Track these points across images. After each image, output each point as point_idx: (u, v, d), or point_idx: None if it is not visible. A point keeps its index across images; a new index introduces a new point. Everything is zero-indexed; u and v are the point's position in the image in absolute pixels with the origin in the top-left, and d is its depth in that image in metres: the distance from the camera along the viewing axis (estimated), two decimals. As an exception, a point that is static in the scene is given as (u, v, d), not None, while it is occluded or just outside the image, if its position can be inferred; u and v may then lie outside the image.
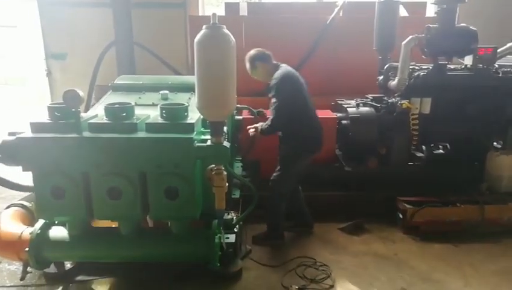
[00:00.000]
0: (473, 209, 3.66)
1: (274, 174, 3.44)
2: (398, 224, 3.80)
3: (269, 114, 3.38)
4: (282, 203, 3.46)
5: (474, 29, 3.85)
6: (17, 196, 3.53)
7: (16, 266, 3.11)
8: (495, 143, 4.12)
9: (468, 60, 4.08)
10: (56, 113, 2.53)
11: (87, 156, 2.44)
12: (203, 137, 2.63)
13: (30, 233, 2.67)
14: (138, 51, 5.66)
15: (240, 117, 3.84)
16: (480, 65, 3.96)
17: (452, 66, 4.12)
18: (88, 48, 5.69)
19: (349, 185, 4.07)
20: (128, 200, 2.51)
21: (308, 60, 5.15)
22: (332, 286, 2.95)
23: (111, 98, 3.16)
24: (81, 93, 2.44)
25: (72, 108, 2.45)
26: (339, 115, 4.29)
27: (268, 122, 3.32)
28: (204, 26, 2.31)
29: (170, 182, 2.48)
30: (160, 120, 2.57)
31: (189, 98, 3.12)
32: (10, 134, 2.55)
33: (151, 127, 2.52)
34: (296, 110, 3.30)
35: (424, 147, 4.09)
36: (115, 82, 3.46)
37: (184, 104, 2.67)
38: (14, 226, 2.85)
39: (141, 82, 3.44)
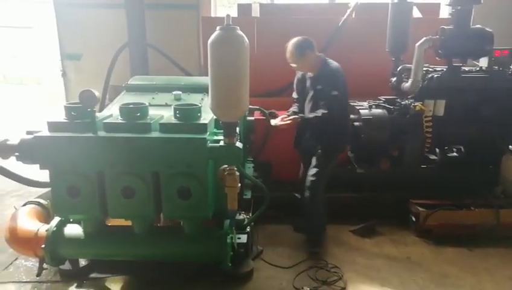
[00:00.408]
0: (487, 213, 3.61)
1: (310, 173, 3.32)
2: (411, 227, 3.76)
3: (307, 108, 3.30)
4: (322, 204, 3.39)
5: (490, 30, 3.78)
6: (34, 193, 3.60)
7: (32, 263, 3.17)
8: (510, 146, 4.05)
9: (483, 62, 4.03)
10: (72, 113, 2.58)
11: (102, 155, 2.48)
12: (216, 137, 2.64)
13: (46, 230, 2.73)
14: (151, 52, 5.72)
15: (252, 118, 3.84)
16: (496, 67, 3.90)
17: (466, 68, 4.07)
18: (102, 49, 5.75)
19: (361, 187, 4.05)
20: (141, 200, 2.54)
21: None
22: (344, 288, 2.94)
23: (125, 98, 3.21)
24: (96, 93, 2.48)
25: (88, 108, 2.50)
26: (351, 116, 4.26)
27: (317, 113, 3.15)
28: (218, 28, 2.32)
29: (183, 182, 2.50)
30: (173, 120, 2.60)
31: (202, 99, 3.14)
32: (28, 133, 2.61)
33: (165, 127, 2.55)
34: (344, 105, 3.31)
35: (437, 150, 4.04)
36: (128, 82, 3.51)
37: (197, 105, 2.69)
38: (31, 223, 2.91)
39: (154, 83, 3.48)
